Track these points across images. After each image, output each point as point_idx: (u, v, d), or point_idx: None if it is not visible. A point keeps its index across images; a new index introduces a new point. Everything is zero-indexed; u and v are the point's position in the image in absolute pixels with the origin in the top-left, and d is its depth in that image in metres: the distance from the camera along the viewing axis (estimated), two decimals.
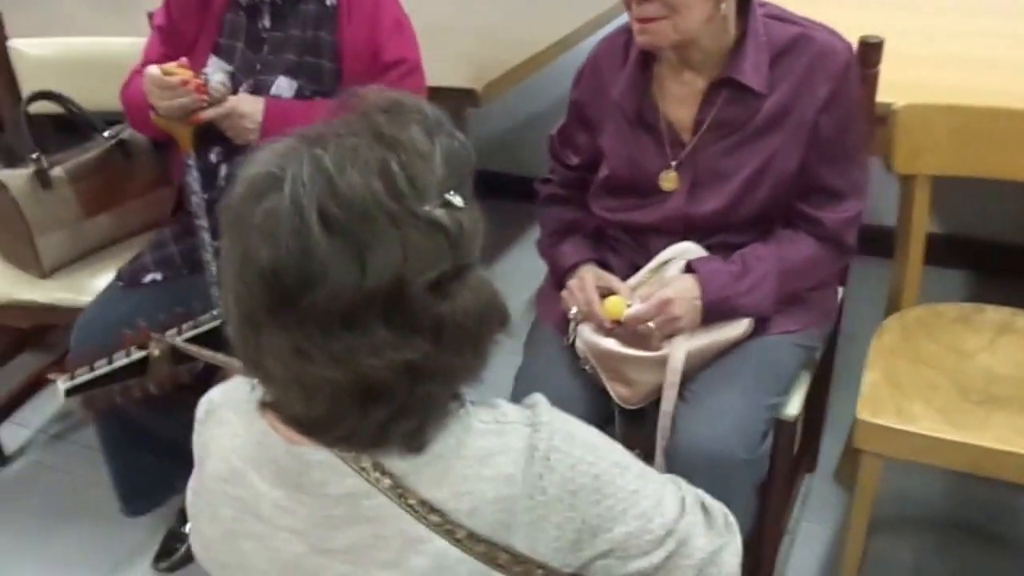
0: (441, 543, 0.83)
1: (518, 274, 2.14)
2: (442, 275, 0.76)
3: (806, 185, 1.43)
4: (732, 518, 1.05)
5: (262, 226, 0.75)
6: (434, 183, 0.78)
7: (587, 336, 1.43)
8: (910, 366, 1.54)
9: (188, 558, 1.87)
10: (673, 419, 1.38)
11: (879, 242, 1.90)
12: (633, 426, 1.48)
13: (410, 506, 0.83)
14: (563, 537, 0.87)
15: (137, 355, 1.32)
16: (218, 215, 0.82)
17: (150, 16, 1.84)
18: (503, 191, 1.94)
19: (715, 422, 1.34)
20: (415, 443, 0.83)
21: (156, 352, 1.32)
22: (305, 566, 0.87)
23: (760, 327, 1.45)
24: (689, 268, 1.42)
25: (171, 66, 1.52)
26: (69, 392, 1.33)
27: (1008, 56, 1.92)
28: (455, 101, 1.86)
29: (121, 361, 1.33)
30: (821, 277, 1.51)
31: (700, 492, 1.04)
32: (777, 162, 1.41)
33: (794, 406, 1.48)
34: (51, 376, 1.38)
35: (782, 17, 1.42)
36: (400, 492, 0.83)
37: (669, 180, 1.46)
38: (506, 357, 1.49)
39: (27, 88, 2.10)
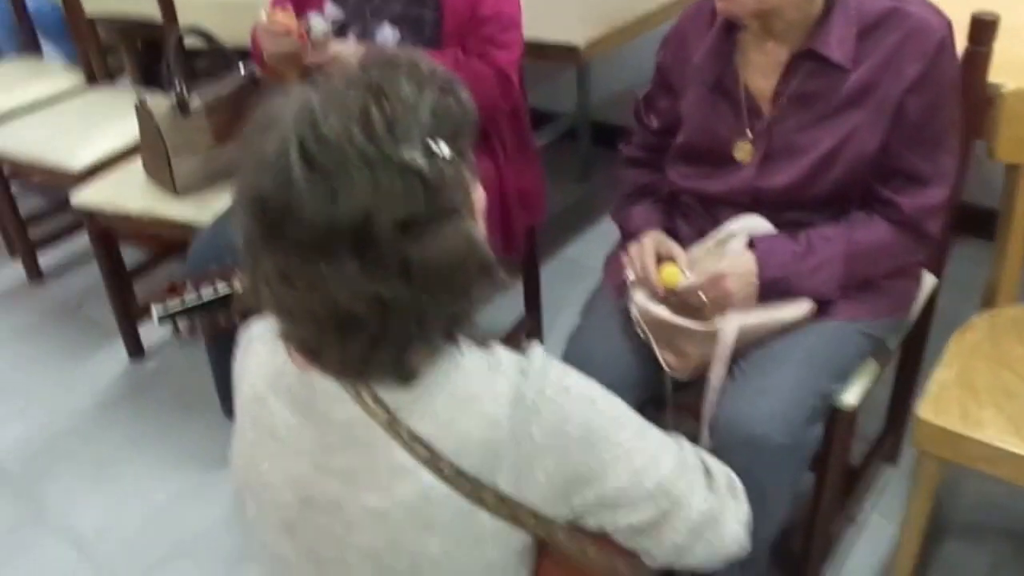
0: (428, 477, 0.88)
1: None
2: (412, 217, 0.81)
3: (887, 168, 1.37)
4: (739, 484, 1.06)
5: (257, 159, 0.82)
6: (416, 131, 0.82)
7: (641, 302, 1.43)
8: (989, 368, 1.45)
9: None
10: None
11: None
12: (686, 396, 1.48)
13: (401, 438, 0.88)
14: (552, 485, 0.91)
15: (223, 291, 1.45)
16: None
17: None
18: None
19: (756, 402, 1.32)
20: (402, 375, 0.88)
21: (239, 287, 1.45)
22: (308, 484, 0.94)
23: (823, 311, 1.40)
24: (752, 244, 1.40)
25: (276, 14, 1.62)
26: (162, 319, 1.49)
27: None
28: (559, 57, 1.87)
29: (208, 295, 1.47)
30: (896, 265, 1.44)
31: (704, 454, 1.05)
32: (855, 141, 1.34)
33: (852, 395, 1.43)
34: (152, 302, 1.54)
35: None
36: (393, 423, 0.88)
37: (742, 151, 1.43)
38: (574, 319, 1.53)
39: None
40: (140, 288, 2.50)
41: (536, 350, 0.95)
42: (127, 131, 2.37)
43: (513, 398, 0.89)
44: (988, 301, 1.59)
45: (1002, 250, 1.55)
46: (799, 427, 1.32)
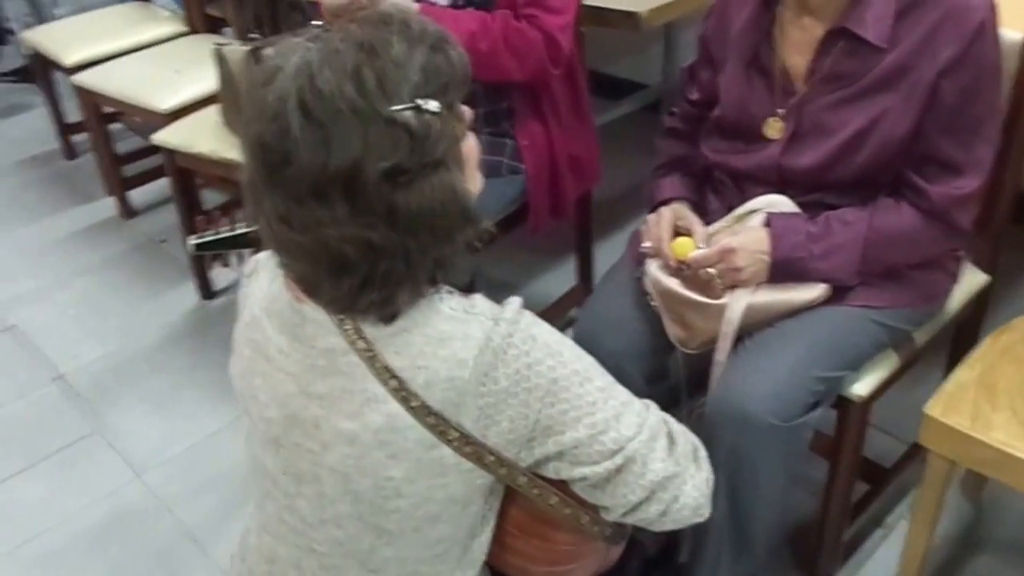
0: (396, 407, 0.95)
1: None
2: (398, 167, 0.87)
3: (919, 153, 1.32)
4: (703, 453, 1.09)
5: (259, 106, 0.89)
6: (405, 88, 0.88)
7: (652, 272, 1.43)
8: (1017, 371, 1.38)
9: None
10: None
11: None
12: (694, 369, 1.47)
13: (376, 368, 0.95)
14: (515, 431, 0.96)
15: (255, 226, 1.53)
16: None
17: None
18: None
19: (752, 380, 1.30)
20: (385, 313, 0.95)
21: None
22: (292, 404, 1.02)
23: (838, 296, 1.37)
24: (768, 222, 1.37)
25: None
26: (198, 247, 1.58)
27: None
28: (618, 23, 1.86)
29: (240, 229, 1.55)
30: (923, 255, 1.39)
31: (670, 419, 1.08)
32: (885, 124, 1.30)
33: (864, 386, 1.39)
34: (197, 226, 1.63)
35: None
36: (370, 355, 0.96)
37: (773, 128, 1.40)
38: None
39: None
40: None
41: (513, 302, 0.99)
42: (215, 77, 2.48)
43: (482, 342, 0.94)
44: None
45: None
46: (795, 411, 1.30)
